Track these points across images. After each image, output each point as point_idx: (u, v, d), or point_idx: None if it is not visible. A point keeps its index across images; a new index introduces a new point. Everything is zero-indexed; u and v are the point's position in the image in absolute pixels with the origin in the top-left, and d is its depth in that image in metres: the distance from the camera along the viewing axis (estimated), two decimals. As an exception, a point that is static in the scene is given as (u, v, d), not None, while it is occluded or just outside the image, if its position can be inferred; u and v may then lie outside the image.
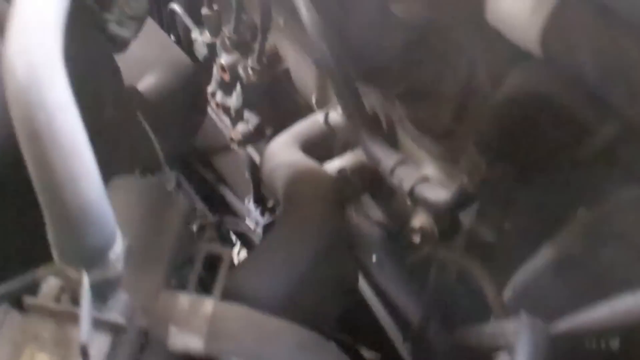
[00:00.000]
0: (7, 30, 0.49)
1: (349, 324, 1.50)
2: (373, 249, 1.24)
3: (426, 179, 0.95)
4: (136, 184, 0.71)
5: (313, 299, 0.92)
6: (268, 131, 1.34)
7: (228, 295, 0.75)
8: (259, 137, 1.35)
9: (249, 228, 1.55)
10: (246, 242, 1.56)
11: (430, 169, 0.99)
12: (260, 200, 1.50)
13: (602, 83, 0.53)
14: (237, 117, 1.36)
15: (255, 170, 1.43)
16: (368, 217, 1.23)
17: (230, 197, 1.66)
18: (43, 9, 0.50)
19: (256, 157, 1.45)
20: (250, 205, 1.52)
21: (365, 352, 1.42)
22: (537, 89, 0.69)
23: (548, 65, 0.62)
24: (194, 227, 1.33)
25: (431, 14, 0.81)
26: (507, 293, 0.87)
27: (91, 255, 0.51)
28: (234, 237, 1.71)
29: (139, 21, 0.89)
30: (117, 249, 0.53)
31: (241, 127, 1.34)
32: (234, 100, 1.34)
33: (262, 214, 1.49)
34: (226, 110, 1.38)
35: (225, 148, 1.52)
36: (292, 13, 0.98)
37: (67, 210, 0.48)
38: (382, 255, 1.24)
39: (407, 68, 0.90)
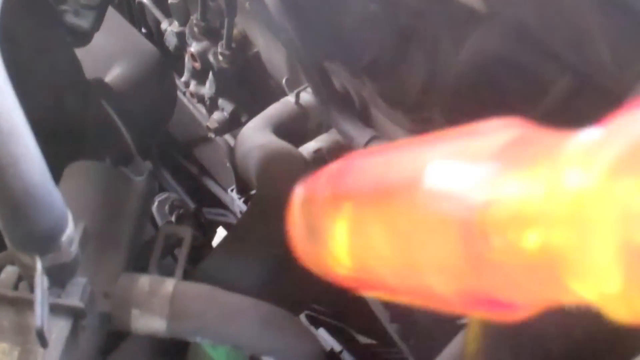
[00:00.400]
0: None
1: (336, 308, 1.50)
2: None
3: (400, 154, 0.95)
4: (92, 168, 0.70)
5: (289, 283, 0.92)
6: (244, 118, 1.34)
7: (200, 281, 0.74)
8: (235, 124, 1.34)
9: (235, 218, 1.54)
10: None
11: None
12: (243, 189, 1.49)
13: (545, 31, 0.52)
14: (212, 106, 1.35)
15: (233, 157, 1.42)
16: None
17: (214, 187, 1.65)
18: None
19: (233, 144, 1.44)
20: (233, 194, 1.51)
21: (360, 338, 1.42)
22: (494, 50, 0.69)
23: (497, 22, 0.62)
24: (173, 218, 1.33)
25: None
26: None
27: (42, 240, 0.51)
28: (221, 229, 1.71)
29: (97, 10, 0.88)
30: (70, 232, 0.52)
31: (217, 116, 1.33)
32: (207, 88, 1.33)
33: (246, 202, 1.48)
34: (201, 99, 1.37)
35: (205, 139, 1.52)
36: None
37: (10, 195, 0.47)
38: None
39: (369, 41, 0.90)
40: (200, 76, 1.35)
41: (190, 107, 1.49)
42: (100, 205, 0.68)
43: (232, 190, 1.51)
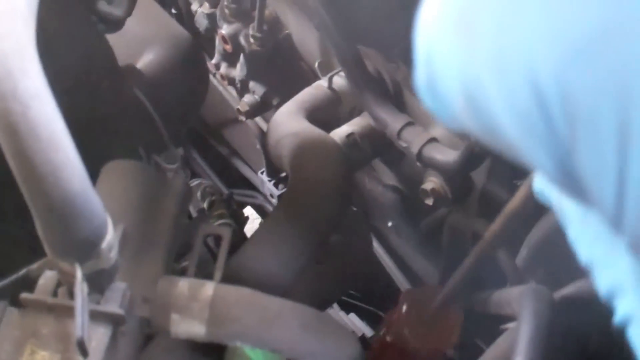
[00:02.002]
0: None
1: (368, 292, 1.49)
2: (388, 214, 1.23)
3: (434, 140, 0.93)
4: (130, 168, 0.69)
5: (324, 274, 0.91)
6: (275, 101, 1.32)
7: (235, 274, 0.73)
8: (266, 107, 1.33)
9: (265, 199, 1.54)
10: (263, 214, 1.54)
11: (438, 130, 0.97)
12: (273, 172, 1.48)
13: None
14: (243, 89, 1.34)
15: (266, 144, 1.41)
16: (381, 182, 1.21)
17: (244, 169, 1.65)
18: None
19: (266, 128, 1.43)
20: (263, 176, 1.51)
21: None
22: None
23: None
24: (205, 204, 1.32)
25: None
26: (522, 252, 0.85)
27: (82, 248, 0.50)
28: (251, 211, 1.70)
29: (130, -4, 0.87)
30: (109, 238, 0.52)
31: (247, 98, 1.32)
32: (238, 70, 1.31)
33: (276, 185, 1.47)
34: (231, 81, 1.36)
35: (236, 121, 1.51)
36: None
37: (51, 203, 0.46)
38: (397, 220, 1.22)
39: (405, 24, 0.88)
40: (231, 58, 1.33)
41: (221, 89, 1.48)
42: (138, 207, 0.67)
43: (262, 173, 1.51)
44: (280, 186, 1.46)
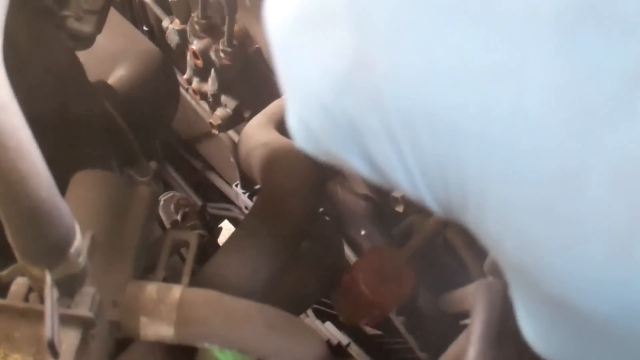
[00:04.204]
0: None
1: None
2: (361, 223, 1.25)
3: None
4: (98, 177, 0.71)
5: (295, 281, 0.93)
6: (247, 114, 1.34)
7: (206, 282, 0.75)
8: (238, 120, 1.35)
9: (240, 212, 1.56)
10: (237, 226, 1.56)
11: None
12: (247, 184, 1.50)
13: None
14: (215, 102, 1.36)
15: (237, 156, 1.43)
16: (353, 191, 1.23)
17: (219, 182, 1.67)
18: None
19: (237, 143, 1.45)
20: (238, 189, 1.53)
21: (367, 329, 1.43)
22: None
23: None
24: (179, 216, 1.34)
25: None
26: (490, 256, 0.87)
27: (50, 253, 0.52)
28: (229, 225, 1.72)
29: (99, 15, 0.88)
30: (77, 244, 0.53)
31: (220, 112, 1.34)
32: (209, 85, 1.33)
33: (251, 197, 1.49)
34: (204, 96, 1.38)
35: (209, 135, 1.53)
36: None
37: (19, 209, 0.48)
38: (370, 228, 1.24)
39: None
40: (202, 73, 1.35)
41: (193, 103, 1.50)
42: (106, 214, 0.68)
43: (236, 185, 1.53)
44: (255, 198, 1.48)
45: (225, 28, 1.22)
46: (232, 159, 1.50)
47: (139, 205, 0.70)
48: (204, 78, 1.36)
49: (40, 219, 0.49)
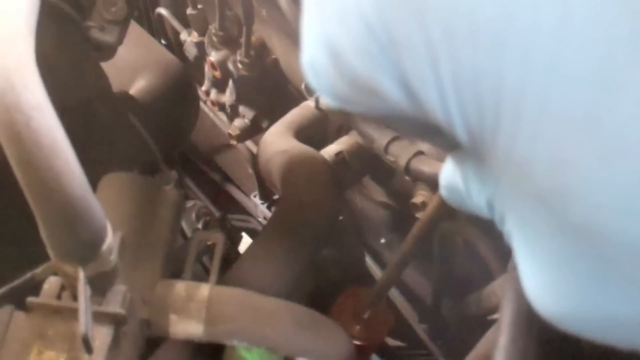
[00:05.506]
0: None
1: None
2: (380, 231, 1.25)
3: (421, 153, 0.96)
4: (126, 179, 0.72)
5: (315, 285, 0.94)
6: (264, 124, 1.35)
7: (232, 285, 0.76)
8: (256, 130, 1.36)
9: (258, 223, 1.56)
10: (255, 236, 1.57)
11: (423, 144, 0.99)
12: (266, 194, 1.51)
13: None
14: (233, 113, 1.38)
15: (256, 164, 1.44)
16: (372, 199, 1.24)
17: (237, 194, 1.68)
18: (14, 16, 0.51)
19: (256, 151, 1.46)
20: (256, 199, 1.53)
21: (389, 340, 1.43)
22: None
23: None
24: (200, 225, 1.35)
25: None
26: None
27: (84, 250, 0.53)
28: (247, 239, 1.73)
29: (121, 25, 0.90)
30: (109, 241, 0.54)
31: (238, 122, 1.35)
32: (227, 96, 1.35)
33: (269, 208, 1.50)
34: (221, 107, 1.39)
35: (227, 146, 1.54)
36: (272, 2, 0.99)
37: (53, 207, 0.49)
38: (389, 235, 1.24)
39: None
40: (220, 84, 1.37)
41: (212, 115, 1.51)
42: (135, 216, 0.69)
43: (255, 196, 1.54)
44: (273, 208, 1.49)
45: (243, 39, 1.24)
46: (250, 170, 1.51)
47: (166, 207, 0.71)
48: (221, 89, 1.38)
49: (74, 216, 0.50)
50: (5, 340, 0.55)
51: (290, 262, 0.86)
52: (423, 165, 0.93)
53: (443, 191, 0.43)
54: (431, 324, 1.17)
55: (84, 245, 0.52)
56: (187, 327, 0.63)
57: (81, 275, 0.52)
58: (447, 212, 0.84)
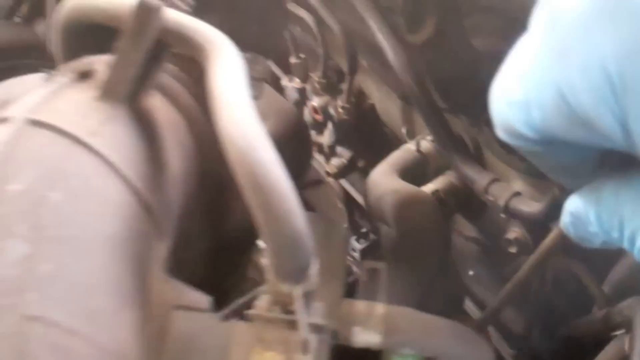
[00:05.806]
0: (213, 107, 0.63)
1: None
2: (469, 264, 1.35)
3: (518, 194, 1.06)
4: (311, 217, 0.85)
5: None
6: (360, 163, 1.48)
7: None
8: (352, 169, 1.49)
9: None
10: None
11: (519, 185, 1.10)
12: (354, 228, 1.63)
13: None
14: (330, 153, 1.51)
15: (348, 199, 1.57)
16: (462, 234, 1.34)
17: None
18: (237, 86, 0.65)
19: (348, 188, 1.59)
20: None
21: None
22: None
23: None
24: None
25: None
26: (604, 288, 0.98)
27: (301, 272, 0.66)
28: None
29: (262, 82, 1.04)
30: (314, 267, 0.67)
31: (335, 161, 1.49)
32: (326, 137, 1.49)
33: (357, 240, 1.61)
34: (319, 147, 1.53)
35: (315, 182, 1.65)
36: (373, 54, 1.10)
37: (284, 240, 0.62)
38: (478, 268, 1.34)
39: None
40: (318, 126, 1.51)
41: (306, 154, 1.64)
42: (320, 246, 0.82)
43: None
44: (362, 241, 1.61)
45: (345, 86, 1.38)
46: (340, 205, 1.63)
47: (337, 240, 0.84)
48: (319, 131, 1.52)
49: (298, 245, 0.63)
50: (233, 344, 0.68)
51: (412, 289, 0.98)
52: (521, 205, 1.03)
53: (566, 221, 0.48)
54: (521, 354, 1.26)
55: (301, 270, 0.65)
56: (368, 337, 0.76)
57: (299, 292, 0.65)
58: (560, 247, 0.95)
